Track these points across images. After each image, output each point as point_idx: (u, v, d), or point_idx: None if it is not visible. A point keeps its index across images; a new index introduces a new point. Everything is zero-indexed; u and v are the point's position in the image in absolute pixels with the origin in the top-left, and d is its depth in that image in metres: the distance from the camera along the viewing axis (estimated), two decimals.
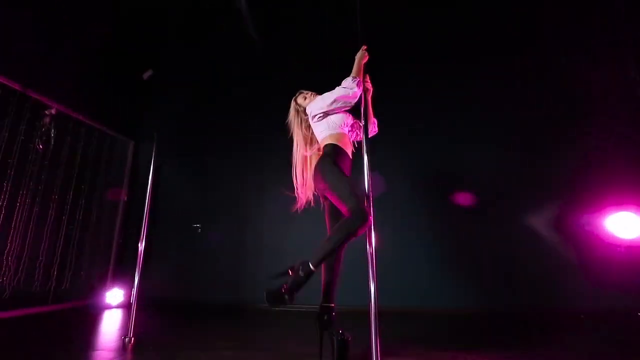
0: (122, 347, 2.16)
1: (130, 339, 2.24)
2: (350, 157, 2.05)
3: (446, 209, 3.55)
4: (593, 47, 3.56)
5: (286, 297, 1.61)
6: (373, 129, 2.21)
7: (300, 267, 1.66)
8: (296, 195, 2.17)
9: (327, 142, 1.98)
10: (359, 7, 2.14)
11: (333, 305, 1.85)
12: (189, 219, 4.12)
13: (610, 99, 3.34)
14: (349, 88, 1.97)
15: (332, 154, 1.93)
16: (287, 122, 2.26)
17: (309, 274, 1.65)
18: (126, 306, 3.72)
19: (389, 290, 2.80)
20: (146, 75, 4.33)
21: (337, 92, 1.98)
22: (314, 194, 2.16)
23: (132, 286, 3.71)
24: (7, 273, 2.89)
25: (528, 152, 3.53)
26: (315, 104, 2.04)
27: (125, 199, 4.20)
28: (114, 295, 3.75)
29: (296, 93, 2.28)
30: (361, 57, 2.06)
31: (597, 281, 2.89)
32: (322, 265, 1.92)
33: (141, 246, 2.52)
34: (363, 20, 2.16)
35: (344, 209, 1.74)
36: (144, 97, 4.49)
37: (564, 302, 3.07)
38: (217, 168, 4.26)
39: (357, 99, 2.00)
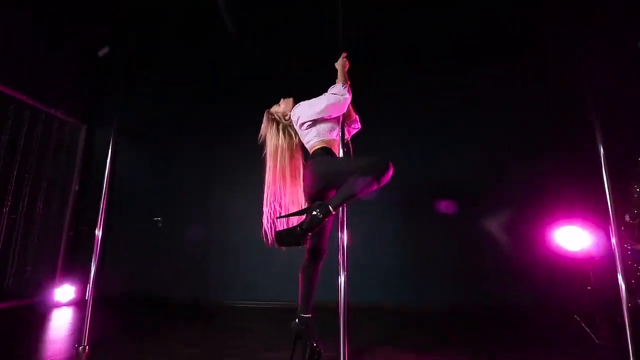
0: (76, 357, 2.02)
1: (85, 348, 2.10)
2: None
3: (415, 211, 3.65)
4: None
5: (301, 236, 1.64)
6: (356, 126, 2.17)
7: (318, 209, 1.65)
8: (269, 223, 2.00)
9: (317, 147, 1.91)
10: (341, 10, 2.07)
11: (310, 315, 1.86)
12: (149, 211, 3.90)
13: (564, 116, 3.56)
14: (340, 94, 1.89)
15: (322, 154, 1.89)
16: (260, 138, 2.09)
17: (327, 214, 1.64)
18: (77, 304, 3.49)
19: (359, 286, 2.85)
20: (102, 52, 3.93)
21: (327, 99, 1.88)
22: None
23: (87, 281, 3.51)
24: None
25: (496, 159, 3.69)
26: (302, 110, 1.93)
27: (77, 188, 3.86)
28: (64, 292, 3.50)
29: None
30: (343, 64, 2.01)
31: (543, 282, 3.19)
32: (300, 277, 1.91)
33: (99, 232, 2.33)
34: (349, 22, 2.10)
35: None
36: (101, 78, 4.10)
37: (520, 301, 3.32)
38: (180, 159, 4.04)
39: (347, 107, 1.95)
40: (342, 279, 1.77)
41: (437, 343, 2.33)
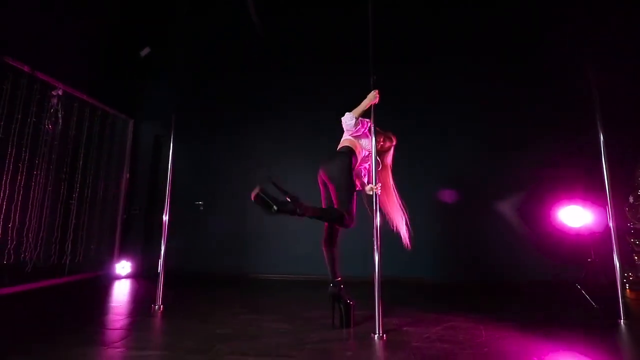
0: (154, 313, 2.49)
1: (160, 307, 2.57)
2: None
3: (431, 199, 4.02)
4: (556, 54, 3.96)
5: (270, 209, 1.95)
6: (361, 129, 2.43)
7: (299, 208, 2.03)
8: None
9: (346, 144, 2.36)
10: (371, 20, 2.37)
11: (339, 279, 2.25)
12: (192, 197, 4.35)
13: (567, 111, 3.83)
14: (344, 122, 2.33)
15: (349, 153, 2.30)
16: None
17: (292, 212, 2.03)
18: (134, 276, 4.01)
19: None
20: (144, 52, 4.33)
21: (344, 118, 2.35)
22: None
23: (142, 257, 4.00)
24: (27, 249, 3.08)
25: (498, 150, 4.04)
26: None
27: (128, 176, 4.34)
28: (122, 266, 4.02)
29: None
30: (371, 98, 2.30)
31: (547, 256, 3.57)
32: (324, 249, 2.32)
33: (165, 217, 2.76)
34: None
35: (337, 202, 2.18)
36: (144, 75, 4.51)
37: (524, 274, 3.71)
38: (219, 147, 4.45)
39: (357, 133, 2.34)
40: (376, 257, 2.12)
41: (451, 310, 2.72)
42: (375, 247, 2.12)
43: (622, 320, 2.29)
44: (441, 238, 3.95)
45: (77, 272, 3.68)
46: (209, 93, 4.56)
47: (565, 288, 3.19)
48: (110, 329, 2.10)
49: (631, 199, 3.62)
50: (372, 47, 2.38)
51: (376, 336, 1.96)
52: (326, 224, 2.33)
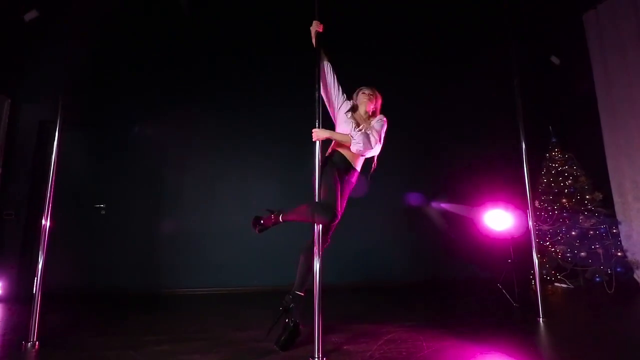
0: (25, 354, 1.87)
1: (35, 343, 1.95)
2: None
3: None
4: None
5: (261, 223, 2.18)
6: None
7: (275, 215, 2.12)
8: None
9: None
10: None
11: (303, 294, 1.96)
12: (89, 198, 3.59)
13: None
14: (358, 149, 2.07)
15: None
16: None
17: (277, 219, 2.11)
18: (5, 300, 3.13)
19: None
20: (29, 15, 3.44)
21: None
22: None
23: (22, 275, 3.17)
24: None
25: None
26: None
27: (0, 170, 3.39)
28: None
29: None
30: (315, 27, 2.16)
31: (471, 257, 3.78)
32: (301, 258, 2.02)
33: (46, 222, 2.12)
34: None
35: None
36: (28, 46, 3.58)
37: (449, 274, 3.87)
38: (124, 137, 3.75)
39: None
40: (317, 264, 1.87)
41: (393, 311, 2.63)
42: (315, 253, 1.88)
43: (540, 319, 2.43)
44: (369, 241, 3.90)
45: None
46: (113, 68, 3.81)
47: (487, 288, 3.38)
48: None
49: (537, 204, 4.04)
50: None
51: None
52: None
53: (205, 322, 2.50)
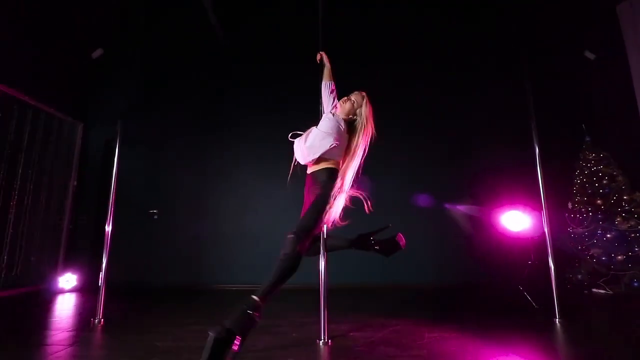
0: (92, 328, 2.34)
1: (100, 320, 2.42)
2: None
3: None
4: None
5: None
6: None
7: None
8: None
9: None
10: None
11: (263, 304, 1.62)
12: (146, 205, 4.18)
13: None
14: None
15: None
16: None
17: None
18: (80, 290, 3.76)
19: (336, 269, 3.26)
20: (96, 54, 4.16)
21: None
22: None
23: (90, 270, 3.78)
24: None
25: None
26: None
27: (75, 183, 4.10)
28: (67, 279, 3.76)
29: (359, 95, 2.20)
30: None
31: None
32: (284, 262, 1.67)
33: (108, 228, 2.61)
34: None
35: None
36: (95, 78, 4.32)
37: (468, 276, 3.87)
38: (174, 153, 4.32)
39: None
40: (322, 262, 2.12)
41: (404, 314, 2.77)
42: (321, 252, 2.13)
43: (557, 319, 2.43)
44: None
45: (15, 285, 3.39)
46: (165, 96, 4.43)
47: (509, 289, 3.35)
48: (41, 345, 1.95)
49: (570, 205, 3.89)
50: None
51: (321, 342, 1.95)
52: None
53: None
